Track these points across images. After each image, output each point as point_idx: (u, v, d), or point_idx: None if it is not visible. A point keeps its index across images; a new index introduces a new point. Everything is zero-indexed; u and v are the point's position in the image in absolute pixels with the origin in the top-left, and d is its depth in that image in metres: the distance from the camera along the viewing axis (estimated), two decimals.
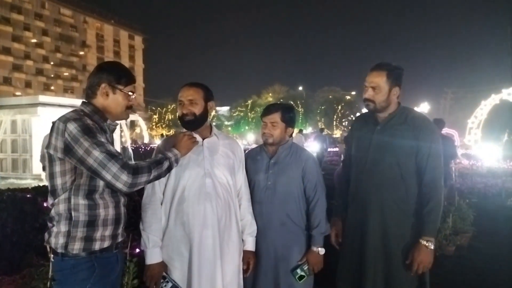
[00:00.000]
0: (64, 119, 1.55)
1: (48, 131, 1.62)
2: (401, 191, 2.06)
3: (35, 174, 11.24)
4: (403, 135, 2.07)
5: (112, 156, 1.51)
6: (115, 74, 1.68)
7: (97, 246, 1.59)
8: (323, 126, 24.39)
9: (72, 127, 1.51)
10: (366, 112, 2.30)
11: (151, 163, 1.62)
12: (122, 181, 1.49)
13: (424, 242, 1.98)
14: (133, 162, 1.64)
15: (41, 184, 5.96)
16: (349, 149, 2.35)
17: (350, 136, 2.42)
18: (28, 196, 4.30)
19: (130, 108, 1.76)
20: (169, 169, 1.71)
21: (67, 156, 1.52)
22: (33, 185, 6.14)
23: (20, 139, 12.00)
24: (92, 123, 1.58)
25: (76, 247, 1.55)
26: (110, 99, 1.67)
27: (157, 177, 1.65)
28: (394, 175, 2.06)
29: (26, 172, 11.70)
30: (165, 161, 1.69)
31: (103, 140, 1.54)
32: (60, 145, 1.52)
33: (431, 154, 2.03)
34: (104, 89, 1.66)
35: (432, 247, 1.99)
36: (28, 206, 3.94)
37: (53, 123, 1.58)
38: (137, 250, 2.62)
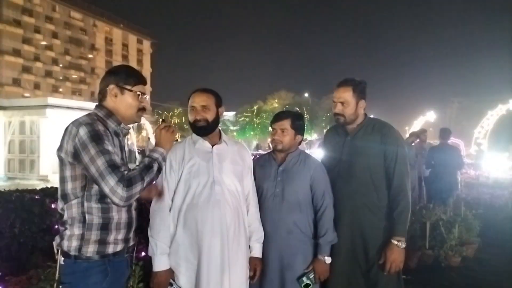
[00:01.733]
0: (77, 124, 1.55)
1: (55, 132, 1.62)
2: (373, 196, 2.22)
3: (42, 175, 11.32)
4: (372, 143, 2.24)
5: (114, 167, 1.49)
6: (122, 74, 1.68)
7: (110, 249, 1.60)
8: None
9: (82, 132, 1.51)
10: (336, 125, 2.46)
11: (141, 169, 1.59)
12: (118, 195, 1.48)
13: (396, 242, 2.13)
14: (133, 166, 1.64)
15: (48, 186, 6.01)
16: (323, 160, 2.47)
17: (323, 148, 2.56)
18: (36, 197, 4.34)
19: (142, 110, 1.75)
20: (159, 170, 1.69)
21: (75, 161, 1.53)
22: (40, 186, 6.19)
23: (28, 140, 12.12)
24: (104, 129, 1.58)
25: (90, 249, 1.56)
26: (119, 100, 1.67)
27: (150, 182, 1.63)
28: (365, 181, 2.22)
29: (33, 173, 11.79)
30: (154, 164, 1.66)
31: (109, 148, 1.53)
32: (70, 150, 1.53)
33: (397, 160, 2.20)
34: (113, 90, 1.66)
35: (403, 246, 2.14)
36: (36, 207, 3.97)
37: (67, 126, 1.58)
38: (143, 253, 2.64)
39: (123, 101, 1.68)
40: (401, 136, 2.36)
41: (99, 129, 1.55)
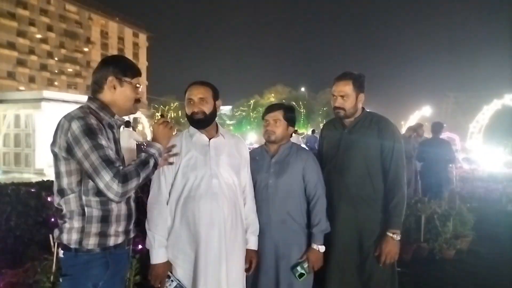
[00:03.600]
0: (70, 118, 1.53)
1: (50, 126, 1.61)
2: (369, 188, 2.24)
3: (38, 169, 11.26)
4: (369, 136, 2.25)
5: (108, 162, 1.47)
6: (121, 66, 1.66)
7: (111, 242, 1.59)
8: (313, 128, 24.77)
9: (75, 126, 1.49)
10: (333, 118, 2.47)
11: (137, 165, 1.57)
12: (113, 191, 1.46)
13: (391, 234, 2.16)
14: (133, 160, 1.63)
15: (44, 179, 6.00)
16: (320, 153, 2.49)
17: (320, 141, 2.57)
18: (32, 190, 4.34)
19: (138, 102, 1.73)
20: (156, 166, 1.68)
21: (69, 156, 1.51)
22: (35, 180, 6.18)
23: (23, 134, 12.04)
24: (97, 122, 1.55)
25: (91, 242, 1.55)
26: (118, 92, 1.65)
27: (146, 178, 1.61)
28: (362, 174, 2.24)
29: (29, 167, 11.73)
30: (150, 159, 1.64)
31: (103, 142, 1.51)
32: (64, 144, 1.50)
33: (394, 153, 2.22)
34: (112, 82, 1.63)
35: (398, 239, 2.18)
36: (32, 200, 3.97)
37: (60, 120, 1.56)
38: (140, 246, 2.65)
39: (121, 93, 1.66)
40: (398, 130, 2.36)
41: (92, 122, 1.52)
